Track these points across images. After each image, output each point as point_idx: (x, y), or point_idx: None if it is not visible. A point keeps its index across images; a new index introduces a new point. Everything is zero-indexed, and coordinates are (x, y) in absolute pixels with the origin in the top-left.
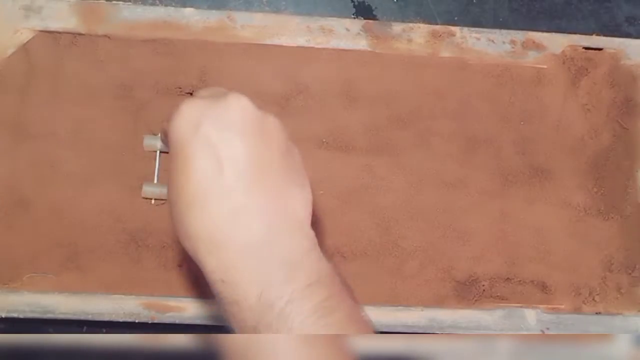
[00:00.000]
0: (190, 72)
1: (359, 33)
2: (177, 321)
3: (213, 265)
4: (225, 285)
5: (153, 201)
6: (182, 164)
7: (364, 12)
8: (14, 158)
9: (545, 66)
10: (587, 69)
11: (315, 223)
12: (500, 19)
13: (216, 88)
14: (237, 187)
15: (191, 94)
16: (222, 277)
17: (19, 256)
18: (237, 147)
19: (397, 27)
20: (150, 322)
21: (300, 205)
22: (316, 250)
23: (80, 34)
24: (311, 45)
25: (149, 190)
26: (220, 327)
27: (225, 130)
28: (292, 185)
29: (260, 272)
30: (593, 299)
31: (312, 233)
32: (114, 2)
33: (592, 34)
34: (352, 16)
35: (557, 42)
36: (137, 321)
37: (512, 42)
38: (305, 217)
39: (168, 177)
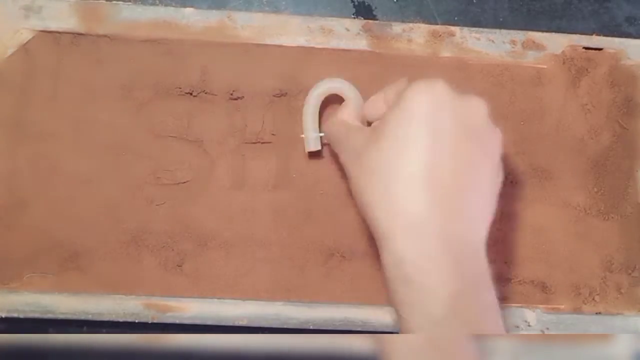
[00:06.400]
0: (190, 72)
1: (359, 33)
2: (177, 321)
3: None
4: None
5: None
6: (402, 134)
7: (364, 12)
8: (14, 158)
9: (545, 66)
10: (587, 69)
11: (316, 223)
12: (500, 19)
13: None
14: (434, 175)
15: (191, 94)
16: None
17: (19, 256)
18: (456, 146)
19: (397, 27)
20: (150, 322)
21: (478, 226)
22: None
23: (80, 34)
24: (311, 45)
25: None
26: (221, 327)
27: (458, 126)
28: (481, 205)
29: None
30: (593, 299)
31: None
32: (114, 2)
33: (592, 34)
34: (352, 16)
35: (557, 42)
36: (137, 321)
37: (512, 42)
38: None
39: (374, 135)
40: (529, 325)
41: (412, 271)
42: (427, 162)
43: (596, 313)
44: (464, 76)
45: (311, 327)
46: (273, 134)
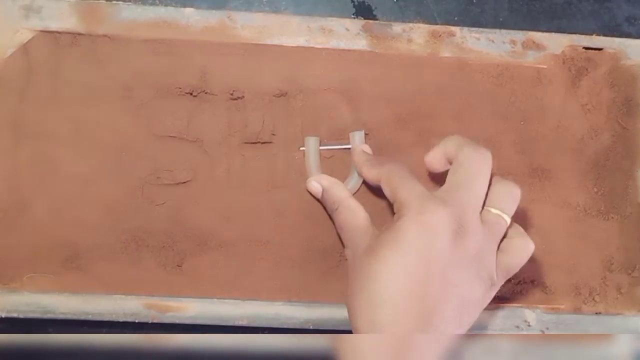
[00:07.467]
0: (190, 72)
1: (359, 33)
2: (177, 321)
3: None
4: None
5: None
6: (395, 260)
7: (364, 12)
8: (14, 158)
9: (545, 66)
10: (587, 69)
11: (316, 223)
12: (500, 19)
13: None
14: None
15: (191, 94)
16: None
17: (19, 256)
18: (445, 275)
19: (397, 27)
20: (150, 322)
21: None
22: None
23: (80, 34)
24: (311, 45)
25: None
26: (221, 327)
27: (452, 254)
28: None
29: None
30: (593, 299)
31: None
32: (114, 2)
33: (592, 34)
34: (352, 16)
35: (557, 42)
36: (137, 321)
37: (512, 42)
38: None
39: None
40: (529, 325)
41: None
42: (413, 288)
43: (596, 313)
44: (464, 76)
45: (311, 327)
46: (273, 134)
